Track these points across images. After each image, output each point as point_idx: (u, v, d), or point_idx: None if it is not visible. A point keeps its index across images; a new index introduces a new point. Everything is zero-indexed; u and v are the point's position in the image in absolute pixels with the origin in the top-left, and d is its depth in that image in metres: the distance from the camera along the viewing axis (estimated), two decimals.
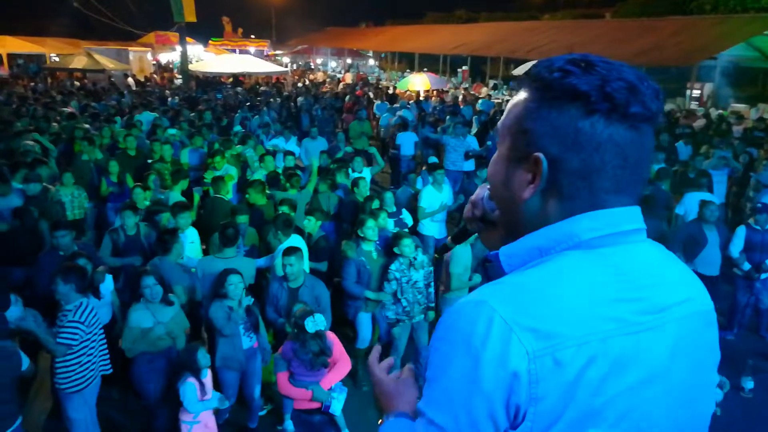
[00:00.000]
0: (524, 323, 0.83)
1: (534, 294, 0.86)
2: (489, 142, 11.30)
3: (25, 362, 3.73)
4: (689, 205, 7.19)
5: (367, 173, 8.45)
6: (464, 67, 29.67)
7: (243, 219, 6.05)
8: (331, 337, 4.30)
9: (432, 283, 5.57)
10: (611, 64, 0.91)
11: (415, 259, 5.35)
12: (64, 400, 4.17)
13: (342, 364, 4.21)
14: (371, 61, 41.43)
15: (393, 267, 5.34)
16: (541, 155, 0.91)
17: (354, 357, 5.71)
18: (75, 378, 4.12)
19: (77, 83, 23.47)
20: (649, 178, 1.11)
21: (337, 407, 4.09)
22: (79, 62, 23.55)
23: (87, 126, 11.52)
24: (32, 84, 22.57)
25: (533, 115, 0.93)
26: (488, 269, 5.52)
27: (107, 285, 5.07)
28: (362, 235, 5.51)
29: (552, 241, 0.92)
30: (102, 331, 4.41)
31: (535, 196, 0.94)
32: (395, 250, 5.30)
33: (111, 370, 4.51)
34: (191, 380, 4.17)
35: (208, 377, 4.36)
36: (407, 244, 5.25)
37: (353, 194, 7.22)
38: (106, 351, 4.46)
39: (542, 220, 0.94)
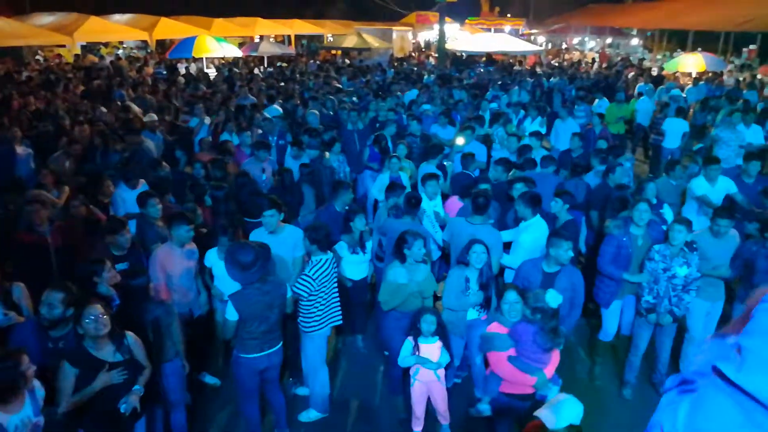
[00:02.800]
0: None
1: None
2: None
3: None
4: None
5: (629, 160, 7.85)
6: (751, 46, 25.48)
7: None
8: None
9: (692, 291, 5.00)
10: None
11: (683, 251, 4.89)
12: (302, 337, 4.86)
13: (557, 354, 4.05)
14: (634, 40, 37.97)
15: (657, 247, 4.98)
16: None
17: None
18: (306, 321, 4.73)
19: (347, 60, 26.06)
20: None
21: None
22: (350, 41, 26.13)
23: (354, 99, 12.78)
24: (311, 61, 25.73)
25: None
26: None
27: (371, 243, 5.66)
28: (631, 217, 5.23)
29: None
30: (336, 286, 4.90)
31: None
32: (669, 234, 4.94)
33: (341, 322, 5.02)
34: (409, 338, 4.47)
35: (435, 344, 4.48)
36: (679, 230, 4.83)
37: (606, 180, 6.79)
38: (338, 304, 4.94)
39: None
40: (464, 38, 26.90)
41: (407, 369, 4.69)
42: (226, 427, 5.00)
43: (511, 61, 25.33)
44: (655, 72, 21.02)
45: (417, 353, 4.46)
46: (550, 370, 3.95)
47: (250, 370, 4.32)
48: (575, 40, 40.38)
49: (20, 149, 8.10)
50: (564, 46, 39.81)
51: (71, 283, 4.05)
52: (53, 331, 3.84)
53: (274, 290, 4.24)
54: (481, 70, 21.36)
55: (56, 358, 3.64)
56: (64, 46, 23.74)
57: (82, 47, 24.26)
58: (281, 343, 4.45)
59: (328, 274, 4.71)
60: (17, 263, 5.32)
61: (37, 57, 23.75)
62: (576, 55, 31.74)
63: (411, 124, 9.61)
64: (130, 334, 3.79)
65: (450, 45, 25.74)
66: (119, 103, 12.01)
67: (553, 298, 3.80)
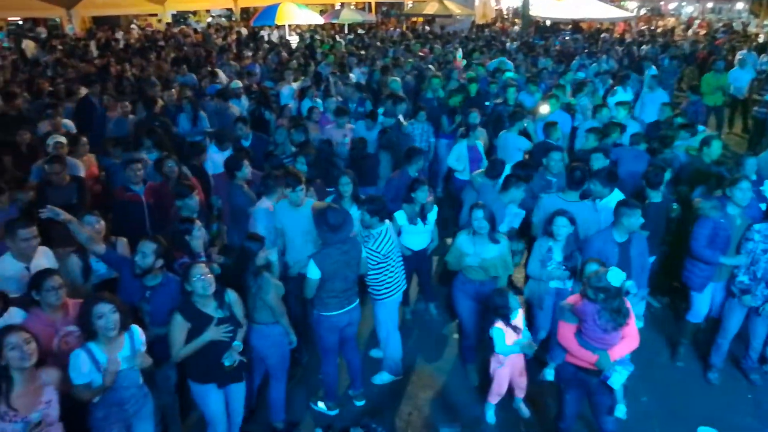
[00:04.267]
0: None
1: None
2: None
3: None
4: None
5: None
6: None
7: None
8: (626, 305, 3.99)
9: None
10: None
11: None
12: (374, 305, 4.99)
13: (631, 338, 3.84)
14: (740, 5, 35.02)
15: (757, 227, 4.70)
16: None
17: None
18: (376, 289, 4.85)
19: (427, 27, 25.67)
20: None
21: (617, 380, 3.78)
22: (431, 8, 25.62)
23: (430, 66, 12.62)
24: (392, 28, 25.56)
25: None
26: None
27: (433, 214, 5.59)
28: (729, 196, 4.90)
29: None
30: (399, 252, 4.97)
31: None
32: None
33: (406, 286, 5.11)
34: (499, 325, 4.36)
35: (518, 317, 4.47)
36: None
37: (699, 155, 6.40)
38: (404, 270, 5.02)
39: None
40: (549, 4, 25.73)
41: (480, 338, 4.70)
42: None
43: (599, 27, 24.07)
44: (762, 39, 19.36)
45: (515, 336, 4.40)
46: (617, 352, 3.77)
47: (331, 328, 4.48)
48: (671, 5, 37.75)
49: (117, 113, 8.59)
50: (662, 11, 37.32)
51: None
52: (146, 280, 4.10)
53: (353, 249, 4.42)
54: (567, 38, 20.46)
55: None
56: (155, 15, 24.81)
57: (173, 16, 25.25)
58: (358, 300, 4.61)
59: (390, 243, 4.80)
60: (116, 219, 5.73)
61: (132, 26, 24.90)
62: (671, 22, 29.71)
63: (508, 91, 9.34)
64: (231, 291, 3.97)
65: (534, 11, 24.76)
66: (209, 69, 12.43)
67: (615, 277, 3.61)
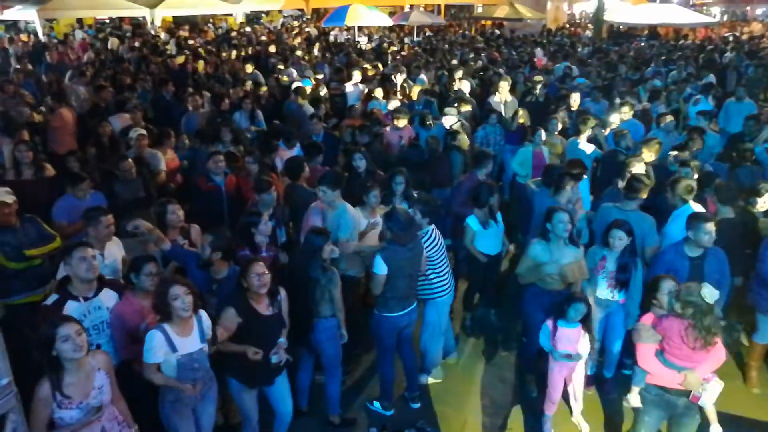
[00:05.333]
0: None
1: None
2: None
3: None
4: None
5: None
6: None
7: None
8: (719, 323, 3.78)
9: None
10: None
11: None
12: (425, 305, 5.00)
13: (717, 353, 3.63)
14: None
15: None
16: None
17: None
18: (425, 289, 4.87)
19: (497, 31, 25.37)
20: None
21: (709, 398, 3.62)
22: (501, 12, 25.33)
23: (500, 71, 12.47)
24: (462, 31, 25.39)
25: None
26: None
27: (498, 217, 5.60)
28: None
29: None
30: (444, 253, 4.96)
31: None
32: None
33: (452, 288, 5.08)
34: (548, 322, 4.38)
35: (575, 329, 4.35)
36: None
37: None
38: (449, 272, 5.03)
39: None
40: (625, 9, 24.88)
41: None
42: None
43: (677, 32, 23.09)
44: None
45: (554, 338, 4.36)
46: (704, 369, 3.61)
47: (391, 329, 4.52)
48: (759, 11, 35.71)
49: (194, 108, 8.94)
50: (747, 17, 35.40)
51: (233, 231, 4.44)
52: (212, 273, 4.24)
53: (416, 247, 4.50)
54: (642, 44, 19.73)
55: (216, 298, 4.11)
56: (230, 14, 25.67)
57: (246, 16, 26.05)
58: (416, 301, 4.66)
59: (434, 244, 4.84)
60: (194, 206, 5.97)
61: (208, 25, 25.86)
62: (757, 27, 28.11)
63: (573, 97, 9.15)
64: (281, 289, 4.04)
65: (609, 16, 24.00)
66: (279, 67, 12.76)
67: (710, 294, 3.44)
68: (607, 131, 7.92)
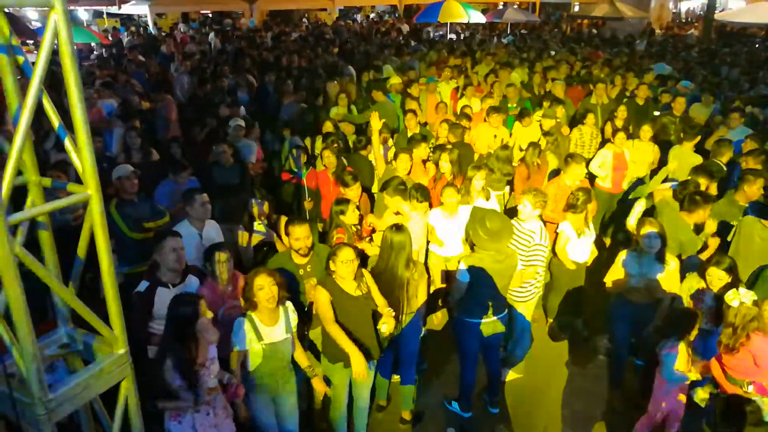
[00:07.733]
0: None
1: None
2: None
3: None
4: None
5: None
6: None
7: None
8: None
9: None
10: None
11: None
12: None
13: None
14: None
15: None
16: None
17: None
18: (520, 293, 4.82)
19: (594, 31, 24.40)
20: None
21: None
22: (600, 10, 24.26)
23: (596, 72, 12.00)
24: (554, 30, 24.64)
25: None
26: None
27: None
28: None
29: None
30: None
31: None
32: None
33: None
34: (674, 350, 3.92)
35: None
36: None
37: None
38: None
39: None
40: (739, 7, 23.16)
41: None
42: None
43: None
44: None
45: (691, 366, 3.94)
46: (761, 388, 3.49)
47: (472, 334, 4.42)
48: None
49: (290, 100, 9.19)
50: None
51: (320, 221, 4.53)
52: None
53: (507, 260, 4.32)
54: (757, 45, 18.31)
55: None
56: (325, 9, 26.26)
57: (340, 11, 26.57)
58: (506, 311, 4.51)
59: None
60: (277, 198, 6.17)
61: (304, 19, 26.59)
62: None
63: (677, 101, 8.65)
64: (366, 271, 4.04)
65: (720, 15, 22.44)
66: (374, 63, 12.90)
67: None
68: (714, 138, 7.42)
